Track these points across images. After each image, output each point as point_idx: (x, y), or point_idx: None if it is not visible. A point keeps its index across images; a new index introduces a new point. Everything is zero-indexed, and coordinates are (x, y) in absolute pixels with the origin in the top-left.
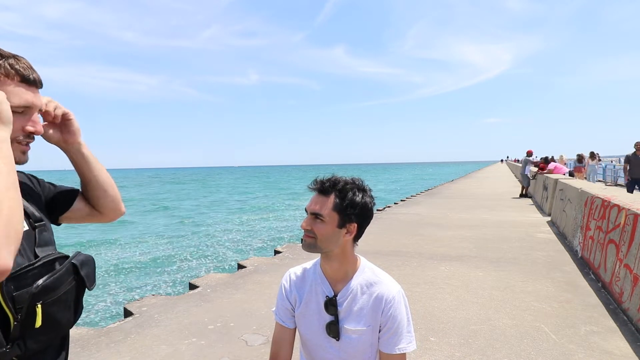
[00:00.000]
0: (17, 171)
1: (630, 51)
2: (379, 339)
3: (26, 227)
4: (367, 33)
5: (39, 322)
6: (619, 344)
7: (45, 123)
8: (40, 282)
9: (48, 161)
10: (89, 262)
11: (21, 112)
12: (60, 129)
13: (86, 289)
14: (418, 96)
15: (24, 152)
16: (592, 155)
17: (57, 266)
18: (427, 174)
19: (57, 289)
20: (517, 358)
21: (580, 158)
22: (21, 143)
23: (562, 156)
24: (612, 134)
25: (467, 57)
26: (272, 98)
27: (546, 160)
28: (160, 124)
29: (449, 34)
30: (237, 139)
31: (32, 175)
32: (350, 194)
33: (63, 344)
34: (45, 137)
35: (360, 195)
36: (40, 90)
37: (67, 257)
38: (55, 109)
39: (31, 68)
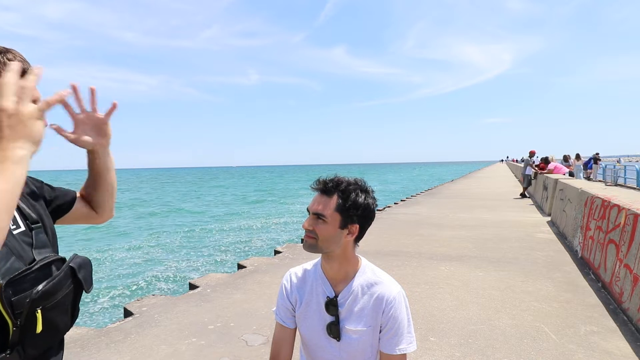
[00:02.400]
0: None
1: (630, 51)
2: (379, 339)
3: (22, 228)
4: (368, 33)
5: (39, 328)
6: (619, 344)
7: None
8: (40, 287)
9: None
10: (86, 265)
11: None
12: (96, 132)
13: (83, 292)
14: (418, 96)
15: None
16: (578, 157)
17: (54, 269)
18: (428, 174)
19: (56, 293)
20: (517, 358)
21: (566, 158)
22: None
23: (552, 156)
24: (613, 134)
25: (467, 57)
26: (272, 98)
27: (546, 161)
28: (160, 124)
29: (449, 34)
30: (236, 139)
31: (33, 178)
32: (353, 195)
33: (59, 346)
34: (81, 143)
35: (363, 196)
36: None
37: (63, 259)
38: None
39: (25, 60)
